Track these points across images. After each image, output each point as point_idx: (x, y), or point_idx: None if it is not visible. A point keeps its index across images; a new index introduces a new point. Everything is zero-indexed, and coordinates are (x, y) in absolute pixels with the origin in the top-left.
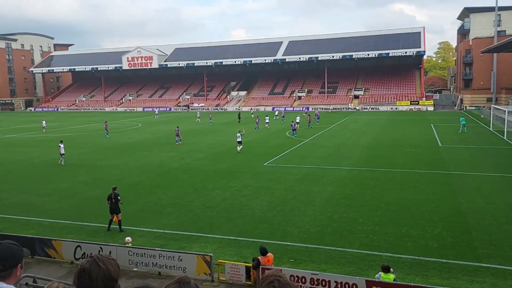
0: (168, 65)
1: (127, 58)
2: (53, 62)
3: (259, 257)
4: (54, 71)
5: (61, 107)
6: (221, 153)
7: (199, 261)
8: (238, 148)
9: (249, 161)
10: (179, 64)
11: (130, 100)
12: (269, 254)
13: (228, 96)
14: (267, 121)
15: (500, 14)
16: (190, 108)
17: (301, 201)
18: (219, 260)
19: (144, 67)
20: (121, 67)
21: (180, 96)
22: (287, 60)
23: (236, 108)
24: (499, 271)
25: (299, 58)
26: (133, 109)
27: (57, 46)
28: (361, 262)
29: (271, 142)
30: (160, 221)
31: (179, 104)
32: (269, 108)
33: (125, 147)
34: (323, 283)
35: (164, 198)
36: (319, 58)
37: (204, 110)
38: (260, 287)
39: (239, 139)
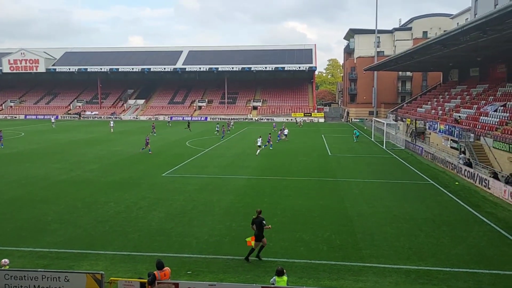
0: (57, 70)
1: (9, 60)
2: None
3: (155, 272)
4: None
5: None
6: (116, 163)
7: (89, 280)
8: (257, 152)
9: (147, 172)
10: (69, 69)
11: (11, 106)
12: (166, 268)
13: (124, 105)
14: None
15: (379, 37)
16: (82, 116)
17: (200, 211)
18: (111, 278)
19: (28, 71)
20: (1, 70)
21: (71, 103)
22: (187, 69)
23: (134, 117)
24: (380, 270)
25: (200, 68)
26: (15, 117)
27: None
28: (258, 269)
29: (170, 152)
30: (44, 239)
31: (69, 112)
32: (167, 118)
33: (3, 158)
34: None
35: (49, 213)
36: (219, 69)
37: (98, 118)
38: None
39: (258, 143)
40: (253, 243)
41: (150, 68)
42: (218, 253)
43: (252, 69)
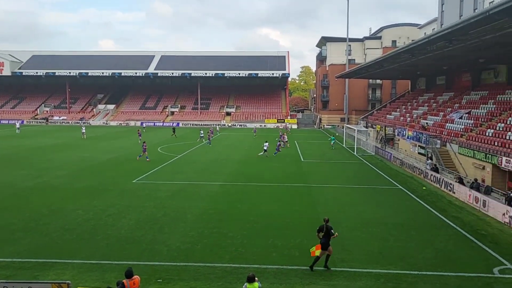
0: (24, 73)
1: None
2: None
3: (123, 281)
4: None
5: None
6: (85, 169)
7: None
8: (262, 153)
9: (117, 178)
10: (36, 72)
11: None
12: (135, 276)
13: (94, 109)
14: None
15: (350, 45)
16: (49, 121)
17: (171, 218)
18: (79, 287)
19: None
20: None
21: (38, 108)
22: (159, 74)
23: (104, 123)
24: (350, 274)
25: (172, 73)
26: None
27: None
28: (230, 276)
29: (141, 158)
30: (6, 248)
31: (36, 117)
32: (139, 123)
33: None
34: None
35: (13, 222)
36: (192, 74)
37: (66, 123)
38: None
39: (265, 148)
40: (317, 252)
41: (121, 73)
42: (190, 260)
43: (225, 75)
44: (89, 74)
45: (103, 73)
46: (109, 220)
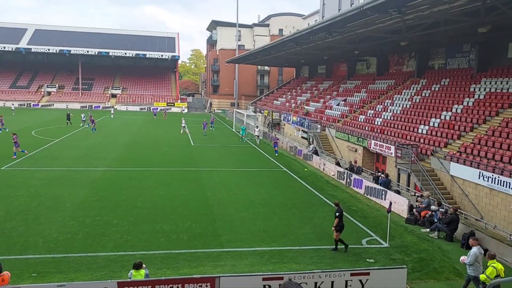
0: None
1: None
2: None
3: None
4: None
5: None
6: None
7: None
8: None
9: None
10: None
11: None
12: (4, 272)
13: None
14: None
15: (240, 30)
16: None
17: (48, 207)
18: None
19: None
20: None
21: None
22: (33, 50)
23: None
24: (237, 253)
25: (49, 50)
26: None
27: None
28: (114, 265)
29: (9, 144)
30: None
31: None
32: (12, 104)
33: None
34: None
35: None
36: (72, 52)
37: None
38: None
39: (256, 133)
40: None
41: None
42: (70, 251)
43: (110, 54)
44: None
45: None
46: None
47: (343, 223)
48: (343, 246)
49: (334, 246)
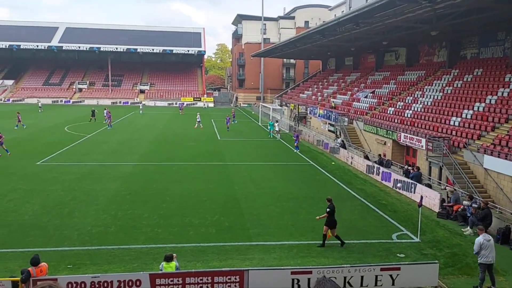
0: None
1: None
2: None
3: (29, 269)
4: None
5: None
6: None
7: None
8: (277, 135)
9: (17, 161)
10: None
11: None
12: (42, 263)
13: None
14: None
15: (265, 24)
16: None
17: (81, 201)
18: None
19: None
20: None
21: None
22: (64, 48)
23: (7, 100)
24: (265, 247)
25: (79, 47)
26: None
27: None
28: (145, 257)
29: (44, 139)
30: None
31: None
32: (38, 101)
33: None
34: (105, 284)
35: None
36: (101, 49)
37: None
38: None
39: (276, 129)
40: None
41: (19, 45)
42: (103, 243)
43: (138, 50)
44: None
45: None
46: (10, 205)
47: (335, 219)
48: (339, 242)
49: (321, 242)
